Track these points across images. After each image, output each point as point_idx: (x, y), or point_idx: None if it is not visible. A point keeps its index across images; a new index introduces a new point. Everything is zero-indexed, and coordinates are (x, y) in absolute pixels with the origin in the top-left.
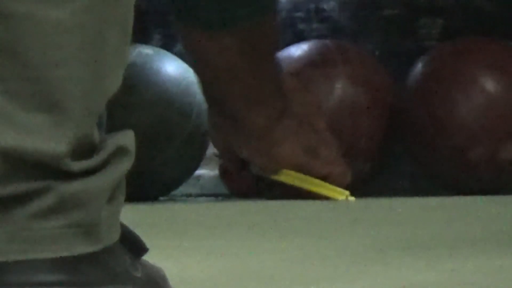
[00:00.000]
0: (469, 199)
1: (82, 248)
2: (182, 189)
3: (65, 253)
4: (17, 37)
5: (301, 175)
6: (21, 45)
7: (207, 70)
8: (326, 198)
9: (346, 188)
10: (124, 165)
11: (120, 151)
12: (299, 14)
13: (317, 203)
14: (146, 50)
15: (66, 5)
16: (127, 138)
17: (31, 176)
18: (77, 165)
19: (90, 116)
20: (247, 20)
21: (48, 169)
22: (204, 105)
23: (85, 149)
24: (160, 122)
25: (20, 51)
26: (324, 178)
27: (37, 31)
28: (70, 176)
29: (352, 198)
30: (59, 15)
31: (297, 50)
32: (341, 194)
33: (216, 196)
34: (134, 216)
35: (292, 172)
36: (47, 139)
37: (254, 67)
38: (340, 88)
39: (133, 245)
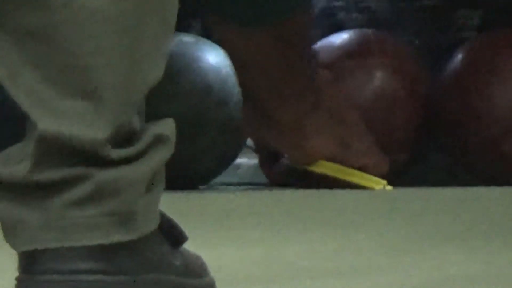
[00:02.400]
0: (504, 190)
1: (119, 236)
2: (221, 178)
3: (101, 241)
4: (56, 25)
5: (337, 166)
6: (59, 33)
7: (238, 65)
8: (363, 187)
9: (383, 178)
10: (164, 154)
11: (160, 140)
12: (338, 3)
13: (354, 192)
14: (187, 38)
15: None
16: (167, 127)
17: (69, 163)
18: (116, 153)
19: (128, 104)
20: (279, 17)
21: (85, 156)
22: None
23: (124, 137)
24: (199, 111)
25: (58, 38)
26: (360, 169)
27: (75, 19)
28: (108, 163)
29: (389, 187)
30: (97, 4)
31: (337, 39)
32: (378, 184)
33: (254, 185)
34: (174, 205)
35: (328, 163)
36: (86, 126)
37: (285, 63)
38: (377, 78)
39: (172, 234)
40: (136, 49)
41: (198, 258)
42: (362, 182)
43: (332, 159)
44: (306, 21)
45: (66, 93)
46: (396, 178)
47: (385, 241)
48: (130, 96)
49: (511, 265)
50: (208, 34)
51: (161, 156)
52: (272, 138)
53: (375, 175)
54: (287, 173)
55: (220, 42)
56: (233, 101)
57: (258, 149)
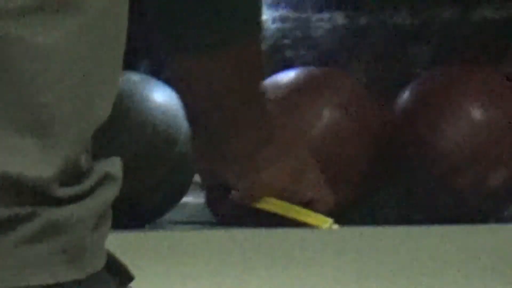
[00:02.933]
0: (454, 228)
1: (67, 275)
2: (168, 216)
3: (49, 281)
4: (5, 61)
5: (283, 203)
6: (10, 68)
7: (192, 95)
8: (310, 226)
9: (330, 214)
10: (111, 192)
11: (107, 178)
12: (286, 41)
13: (302, 231)
14: (134, 77)
15: (54, 31)
16: (114, 165)
17: (16, 201)
18: (64, 191)
19: (78, 141)
20: (234, 43)
21: (33, 195)
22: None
23: (72, 175)
24: (147, 149)
25: (8, 74)
26: (307, 204)
27: (26, 55)
28: (56, 202)
29: (336, 226)
30: (46, 40)
31: (284, 77)
32: (325, 222)
33: (202, 223)
34: (120, 243)
35: (274, 200)
36: (34, 164)
37: (240, 92)
38: (326, 115)
39: (118, 273)
40: (88, 84)
41: None
42: (309, 221)
43: (283, 191)
44: (260, 51)
45: (15, 130)
46: (345, 215)
47: (334, 279)
48: (80, 132)
49: None
50: (156, 72)
51: (108, 194)
52: (223, 172)
53: (321, 211)
54: (234, 211)
55: (172, 77)
56: (181, 140)
57: (206, 186)
